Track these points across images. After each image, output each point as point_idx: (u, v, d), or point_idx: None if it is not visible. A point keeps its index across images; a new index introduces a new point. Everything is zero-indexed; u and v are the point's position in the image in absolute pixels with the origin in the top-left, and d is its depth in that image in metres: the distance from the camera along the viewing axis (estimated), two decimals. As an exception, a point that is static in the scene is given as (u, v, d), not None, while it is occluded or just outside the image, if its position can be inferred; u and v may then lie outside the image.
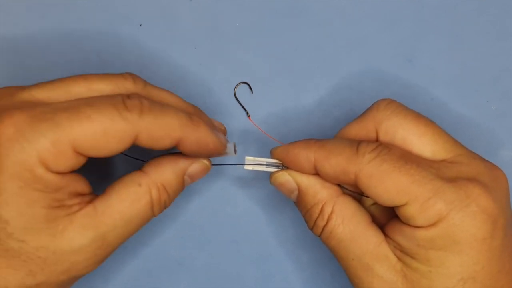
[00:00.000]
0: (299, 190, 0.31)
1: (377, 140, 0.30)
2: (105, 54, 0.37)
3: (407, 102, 0.37)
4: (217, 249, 0.37)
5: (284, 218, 0.37)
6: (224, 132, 0.33)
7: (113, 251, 0.29)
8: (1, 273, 0.26)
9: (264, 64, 0.38)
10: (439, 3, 0.38)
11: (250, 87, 0.38)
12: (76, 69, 0.37)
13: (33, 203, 0.25)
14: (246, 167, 0.32)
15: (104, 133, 0.25)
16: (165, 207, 0.30)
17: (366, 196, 0.30)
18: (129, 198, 0.28)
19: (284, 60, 0.38)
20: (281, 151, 0.31)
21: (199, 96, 0.38)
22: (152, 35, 0.38)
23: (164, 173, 0.29)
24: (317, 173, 0.30)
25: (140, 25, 0.38)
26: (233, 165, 0.32)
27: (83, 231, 0.27)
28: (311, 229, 0.31)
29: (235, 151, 0.32)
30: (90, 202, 0.28)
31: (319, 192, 0.30)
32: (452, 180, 0.27)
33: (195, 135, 0.28)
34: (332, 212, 0.29)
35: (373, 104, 0.31)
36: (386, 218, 0.31)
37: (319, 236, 0.30)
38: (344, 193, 0.30)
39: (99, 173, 0.36)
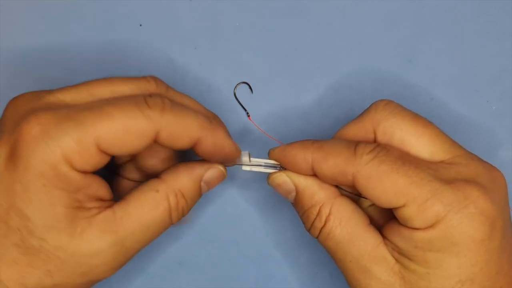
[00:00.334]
0: (297, 191, 0.30)
1: (375, 141, 0.30)
2: (105, 54, 0.38)
3: (407, 102, 0.37)
4: (217, 249, 0.37)
5: (284, 218, 0.37)
6: None
7: (131, 257, 0.29)
8: (21, 271, 0.26)
9: (264, 64, 0.38)
10: (439, 3, 0.38)
11: (250, 87, 0.38)
12: (76, 69, 0.37)
13: (55, 201, 0.26)
14: (244, 167, 0.32)
15: (127, 130, 0.26)
16: (183, 214, 0.30)
17: (364, 198, 0.30)
18: (147, 204, 0.28)
19: (284, 60, 0.38)
20: (278, 152, 0.31)
21: (199, 96, 0.37)
22: (152, 35, 0.38)
23: (181, 180, 0.30)
24: (314, 174, 0.30)
25: (140, 25, 0.38)
26: (232, 166, 0.32)
27: (101, 235, 0.27)
28: (309, 230, 0.31)
29: (249, 160, 0.32)
30: (109, 207, 0.28)
31: (316, 193, 0.30)
32: (450, 181, 0.27)
33: (212, 137, 0.29)
34: (329, 213, 0.29)
35: (371, 105, 0.31)
36: (384, 219, 0.30)
37: (317, 237, 0.30)
38: (341, 194, 0.30)
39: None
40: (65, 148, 0.25)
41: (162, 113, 0.27)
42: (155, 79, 0.31)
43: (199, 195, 0.31)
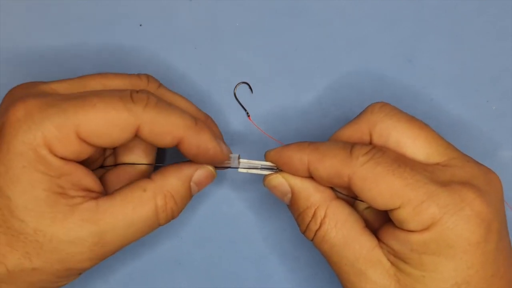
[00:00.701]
0: (292, 193, 0.30)
1: (370, 143, 0.30)
2: (105, 54, 0.38)
3: (407, 102, 0.37)
4: (216, 249, 0.37)
5: (283, 218, 0.37)
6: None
7: (111, 252, 0.29)
8: (1, 249, 0.27)
9: (264, 64, 0.38)
10: (439, 3, 0.38)
11: (250, 87, 0.38)
12: (75, 68, 0.37)
13: (35, 183, 0.27)
14: (240, 170, 0.32)
15: (107, 121, 0.27)
16: (173, 216, 0.30)
17: (360, 200, 0.30)
18: (132, 202, 0.29)
19: (284, 60, 0.38)
20: (274, 154, 0.30)
21: (199, 96, 0.38)
22: (152, 35, 0.38)
23: (170, 180, 0.30)
24: (310, 176, 0.30)
25: (140, 25, 0.38)
26: (224, 169, 0.32)
27: (82, 223, 0.27)
28: (304, 232, 0.30)
29: (238, 163, 0.32)
30: (94, 198, 0.28)
31: (312, 195, 0.30)
32: (446, 183, 0.27)
33: (196, 139, 0.29)
34: (325, 216, 0.29)
35: (367, 107, 0.31)
36: (380, 222, 0.30)
37: (312, 240, 0.30)
38: (337, 197, 0.30)
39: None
40: (46, 132, 0.26)
41: (145, 108, 0.28)
42: (148, 76, 0.32)
43: (190, 196, 0.31)
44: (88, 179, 0.29)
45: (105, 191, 0.30)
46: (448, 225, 0.26)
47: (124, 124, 0.27)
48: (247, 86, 0.38)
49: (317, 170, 0.29)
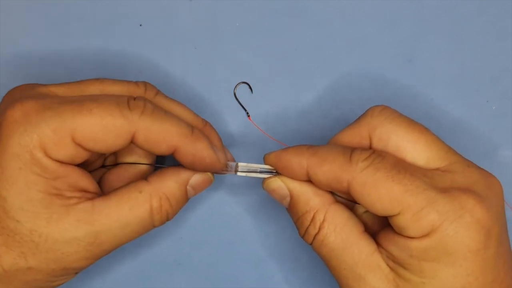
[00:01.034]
0: (291, 196, 0.30)
1: (370, 147, 0.30)
2: (105, 54, 0.38)
3: (407, 102, 0.37)
4: (216, 250, 0.37)
5: (283, 219, 0.37)
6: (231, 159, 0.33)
7: (107, 252, 0.29)
8: None
9: (264, 64, 0.38)
10: (439, 3, 0.38)
11: (250, 87, 0.38)
12: (75, 69, 0.37)
13: (30, 185, 0.27)
14: (239, 173, 0.32)
15: (103, 127, 0.27)
16: (167, 218, 0.30)
17: (359, 204, 0.30)
18: (128, 203, 0.29)
19: (284, 60, 0.38)
20: (273, 157, 0.30)
21: (199, 96, 0.38)
22: (152, 35, 0.38)
23: (167, 183, 0.30)
24: (309, 180, 0.29)
25: (140, 25, 0.38)
26: (223, 174, 0.32)
27: (77, 224, 0.28)
28: (302, 236, 0.30)
29: (236, 170, 0.32)
30: (90, 199, 0.28)
31: (311, 199, 0.30)
32: (445, 190, 0.27)
33: (192, 147, 0.29)
34: (324, 220, 0.29)
35: (366, 110, 0.30)
36: (379, 226, 0.30)
37: (311, 244, 0.30)
38: (336, 201, 0.30)
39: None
40: (42, 135, 0.26)
41: (141, 115, 0.28)
42: (145, 84, 0.32)
43: (185, 199, 0.31)
44: (84, 181, 0.29)
45: (106, 191, 0.30)
46: (448, 232, 0.26)
47: (120, 131, 0.27)
48: (247, 86, 0.38)
49: (316, 175, 0.29)
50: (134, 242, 0.37)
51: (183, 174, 0.30)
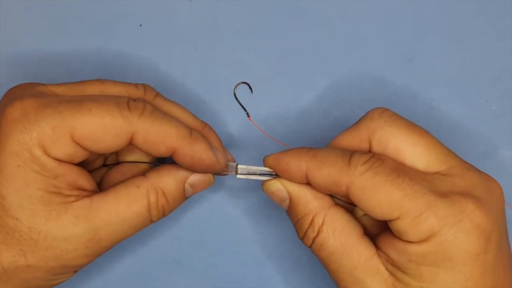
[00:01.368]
0: (290, 199, 0.30)
1: (370, 150, 0.30)
2: (105, 54, 0.38)
3: (407, 102, 0.37)
4: (217, 249, 0.37)
5: (284, 219, 0.37)
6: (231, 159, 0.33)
7: (107, 248, 0.29)
8: None
9: (264, 64, 0.38)
10: (439, 3, 0.38)
11: (250, 87, 0.38)
12: (75, 68, 0.37)
13: (29, 182, 0.27)
14: (239, 176, 0.32)
15: (102, 126, 0.27)
16: (164, 214, 0.30)
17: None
18: (126, 198, 0.29)
19: (284, 60, 0.38)
20: (273, 160, 0.30)
21: (199, 96, 0.38)
22: (152, 35, 0.38)
23: (164, 179, 0.30)
24: (309, 183, 0.29)
25: (140, 25, 0.38)
26: (223, 176, 0.32)
27: (76, 220, 0.28)
28: (302, 239, 0.30)
29: (236, 172, 0.32)
30: (88, 196, 0.29)
31: (310, 202, 0.29)
32: (445, 194, 0.27)
33: (190, 149, 0.29)
34: (323, 223, 0.29)
35: (366, 113, 0.30)
36: (378, 229, 0.30)
37: (310, 247, 0.30)
38: (336, 204, 0.30)
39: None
40: (41, 133, 0.27)
41: (140, 116, 0.28)
42: (145, 86, 0.32)
43: (183, 197, 0.31)
44: (83, 180, 0.29)
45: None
46: (447, 237, 0.26)
47: (119, 131, 0.27)
48: (247, 86, 0.38)
49: (315, 178, 0.28)
50: (134, 242, 0.37)
51: (182, 172, 0.30)
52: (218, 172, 0.31)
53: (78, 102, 0.27)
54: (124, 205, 0.29)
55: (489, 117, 0.38)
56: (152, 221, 0.30)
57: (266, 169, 0.31)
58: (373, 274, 0.28)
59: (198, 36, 0.38)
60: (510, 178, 0.37)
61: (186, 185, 0.31)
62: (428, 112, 0.37)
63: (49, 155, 0.27)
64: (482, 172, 0.29)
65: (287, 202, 0.30)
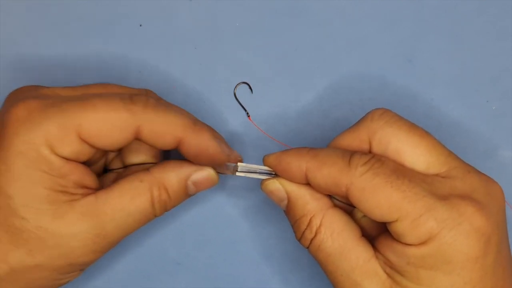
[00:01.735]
0: (289, 199, 0.30)
1: (370, 150, 0.29)
2: (105, 54, 0.38)
3: (407, 102, 0.37)
4: (217, 249, 0.37)
5: (284, 219, 0.37)
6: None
7: (113, 244, 0.30)
8: (3, 248, 0.27)
9: (264, 64, 0.38)
10: (439, 3, 0.38)
11: (250, 87, 0.38)
12: (75, 69, 0.37)
13: (36, 182, 0.27)
14: (238, 173, 0.32)
15: (108, 121, 0.27)
16: (165, 209, 0.31)
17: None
18: (130, 193, 0.29)
19: (284, 60, 0.38)
20: (273, 159, 0.30)
21: (199, 96, 0.38)
22: (152, 35, 0.38)
23: (167, 174, 0.30)
24: (308, 183, 0.29)
25: (140, 25, 0.38)
26: (226, 174, 0.32)
27: (82, 217, 0.28)
28: (299, 240, 0.30)
29: (235, 171, 0.31)
30: (93, 193, 0.29)
31: (308, 203, 0.29)
32: (445, 197, 0.26)
33: (196, 138, 0.29)
34: (320, 225, 0.29)
35: (367, 113, 0.30)
36: (378, 230, 0.30)
37: (307, 248, 0.30)
38: (335, 205, 0.30)
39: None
40: (47, 132, 0.27)
41: (144, 109, 0.28)
42: (147, 90, 0.32)
43: (185, 194, 0.31)
44: (88, 178, 0.29)
45: None
46: (446, 240, 0.26)
47: (125, 125, 0.28)
48: (247, 86, 0.38)
49: (315, 178, 0.28)
50: (134, 242, 0.37)
51: (185, 169, 0.30)
52: (220, 170, 0.31)
53: (83, 99, 0.28)
54: (128, 199, 0.29)
55: (489, 117, 0.38)
56: (155, 216, 0.30)
57: (266, 168, 0.31)
58: (371, 276, 0.28)
59: (198, 36, 0.38)
60: (510, 178, 0.37)
61: (189, 182, 0.31)
62: (428, 112, 0.37)
63: (56, 154, 0.27)
64: (483, 174, 0.29)
65: (286, 202, 0.30)
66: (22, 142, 0.27)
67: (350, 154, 0.28)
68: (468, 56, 0.38)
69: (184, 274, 0.37)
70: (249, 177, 0.32)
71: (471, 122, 0.38)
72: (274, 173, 0.31)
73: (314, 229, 0.29)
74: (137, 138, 0.29)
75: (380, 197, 0.26)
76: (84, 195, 0.28)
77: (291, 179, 0.30)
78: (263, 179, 0.31)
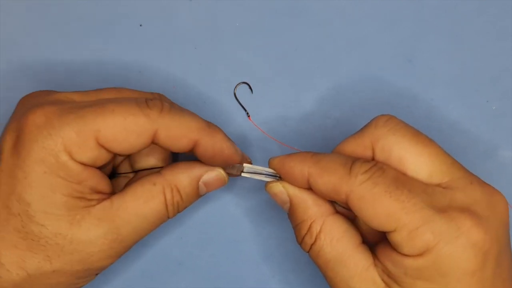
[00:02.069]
0: (291, 203, 0.30)
1: (373, 157, 0.29)
2: (105, 54, 0.38)
3: (407, 103, 0.37)
4: (218, 249, 0.37)
5: (285, 218, 0.37)
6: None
7: (128, 247, 0.30)
8: (21, 255, 0.27)
9: (264, 64, 0.38)
10: (439, 3, 0.38)
11: (250, 87, 0.38)
12: (76, 69, 0.37)
13: (55, 189, 0.27)
14: (244, 174, 0.32)
15: (125, 126, 0.27)
16: (178, 210, 0.31)
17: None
18: (143, 196, 0.29)
19: (284, 60, 0.38)
20: (277, 163, 0.30)
21: (199, 96, 0.38)
22: (152, 35, 0.38)
23: (179, 176, 0.30)
24: (311, 188, 0.29)
25: (140, 25, 0.38)
26: (235, 176, 0.32)
27: (99, 222, 0.28)
28: (300, 244, 0.30)
29: (241, 172, 0.32)
30: (108, 198, 0.29)
31: (309, 208, 0.29)
32: (444, 209, 0.26)
33: (211, 140, 0.29)
34: (320, 231, 0.29)
35: (372, 119, 0.30)
36: (378, 237, 0.30)
37: (307, 252, 0.30)
38: (336, 211, 0.30)
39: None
40: (66, 138, 0.27)
41: (160, 113, 0.28)
42: (160, 95, 0.33)
43: (196, 195, 0.31)
44: (103, 183, 0.29)
45: None
46: (443, 253, 0.26)
47: (142, 130, 0.28)
48: (247, 86, 0.38)
49: (317, 184, 0.28)
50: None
51: (196, 170, 0.31)
52: (227, 170, 0.31)
53: (100, 104, 0.28)
54: (142, 203, 0.29)
55: (489, 117, 0.38)
56: (168, 217, 0.31)
57: (271, 170, 0.31)
58: (368, 284, 0.28)
59: (198, 36, 0.38)
60: (510, 178, 0.37)
61: (200, 183, 0.31)
62: (428, 112, 0.37)
63: (74, 160, 0.27)
64: (487, 185, 0.28)
65: (288, 205, 0.30)
66: (41, 149, 0.27)
67: (352, 162, 0.28)
68: (468, 56, 0.38)
69: (185, 274, 0.37)
70: (253, 179, 0.32)
71: (471, 122, 0.38)
72: (278, 175, 0.31)
73: (314, 234, 0.29)
74: (154, 142, 0.29)
75: (378, 207, 0.26)
76: (100, 200, 0.28)
77: (294, 183, 0.30)
78: (267, 182, 0.31)
